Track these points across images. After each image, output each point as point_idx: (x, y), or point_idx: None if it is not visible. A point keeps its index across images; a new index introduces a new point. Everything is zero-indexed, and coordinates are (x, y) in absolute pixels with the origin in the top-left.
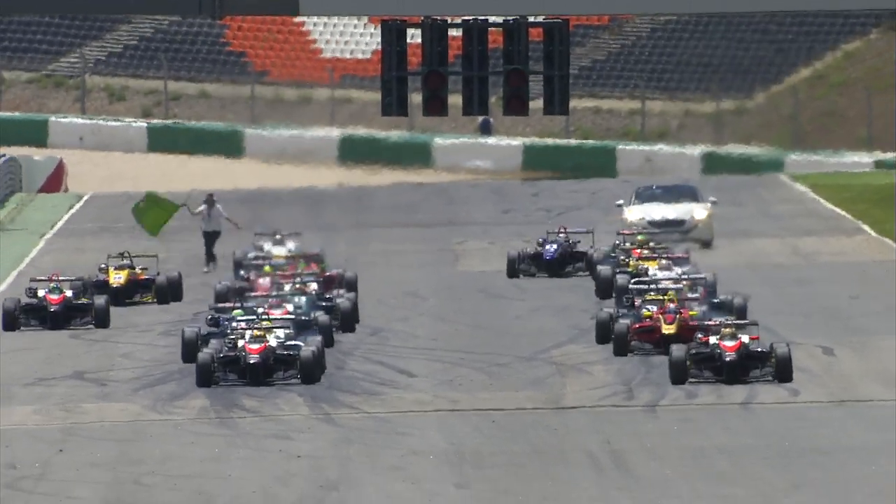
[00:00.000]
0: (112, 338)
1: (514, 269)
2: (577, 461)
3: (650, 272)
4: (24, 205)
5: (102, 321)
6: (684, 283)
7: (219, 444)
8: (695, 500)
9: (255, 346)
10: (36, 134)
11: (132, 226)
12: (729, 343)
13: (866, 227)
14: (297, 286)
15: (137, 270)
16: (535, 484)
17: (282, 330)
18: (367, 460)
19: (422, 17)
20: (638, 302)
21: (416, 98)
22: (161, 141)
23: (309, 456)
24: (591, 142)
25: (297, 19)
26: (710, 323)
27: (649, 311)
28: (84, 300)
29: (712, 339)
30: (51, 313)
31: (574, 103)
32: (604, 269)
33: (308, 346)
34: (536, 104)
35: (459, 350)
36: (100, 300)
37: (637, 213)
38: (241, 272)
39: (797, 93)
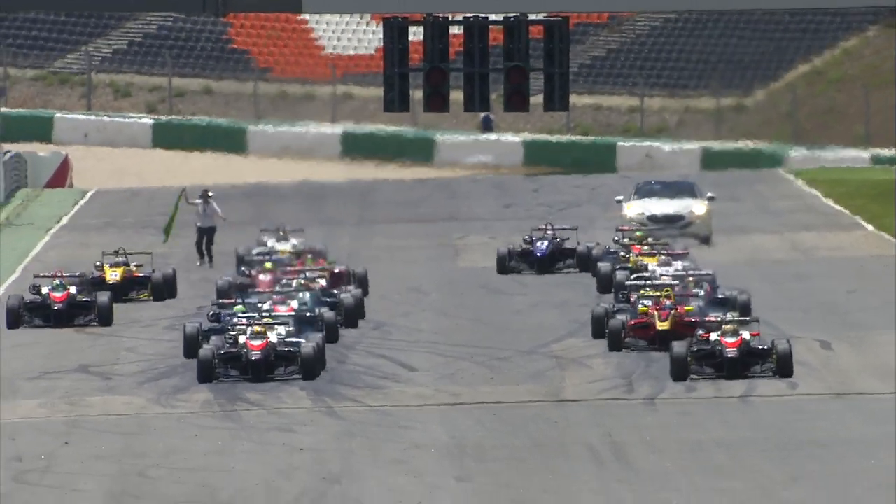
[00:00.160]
0: (116, 332)
1: (504, 267)
2: (578, 454)
3: (650, 268)
4: (30, 200)
5: (106, 319)
6: (689, 279)
7: (222, 438)
8: (694, 493)
9: (257, 343)
10: (41, 130)
11: (136, 221)
12: (730, 339)
13: (864, 223)
14: (303, 282)
15: (133, 268)
16: (536, 477)
17: (283, 326)
18: (370, 453)
19: (423, 15)
20: (633, 298)
21: (417, 94)
22: (165, 137)
23: (311, 449)
24: (591, 138)
25: (300, 16)
26: (710, 319)
27: (645, 306)
28: (87, 298)
29: (713, 336)
30: (54, 311)
31: (574, 100)
32: (604, 265)
33: (309, 342)
34: (537, 100)
35: (461, 344)
36: (103, 298)
37: (636, 208)
38: (243, 268)
39: (795, 89)
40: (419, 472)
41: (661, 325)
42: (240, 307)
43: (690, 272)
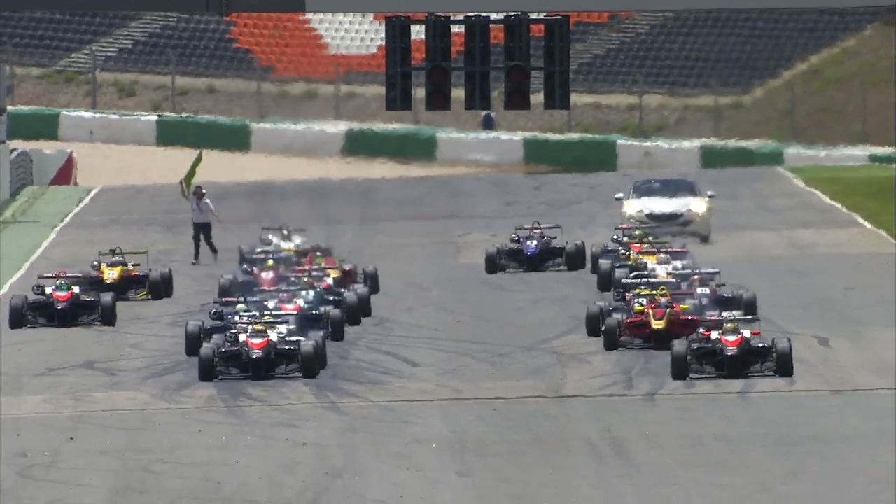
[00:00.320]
0: (120, 329)
1: (493, 265)
2: (578, 449)
3: (649, 266)
4: (36, 197)
5: (109, 318)
6: (695, 277)
7: (226, 433)
8: (694, 488)
9: (257, 341)
10: (47, 128)
11: (140, 218)
12: (730, 338)
13: (861, 220)
14: (306, 280)
15: (130, 267)
16: (536, 472)
17: (284, 325)
18: (372, 448)
19: (425, 14)
20: (629, 296)
21: (419, 93)
22: (170, 135)
23: (314, 444)
24: (591, 136)
25: (303, 16)
26: (711, 318)
27: (641, 305)
28: (91, 297)
29: (714, 335)
30: (58, 310)
31: (574, 98)
32: (604, 263)
33: (309, 340)
34: (537, 99)
35: (462, 340)
36: (106, 297)
37: (636, 206)
38: (245, 266)
39: (794, 88)
40: (421, 466)
41: (657, 324)
42: (242, 305)
43: (696, 271)
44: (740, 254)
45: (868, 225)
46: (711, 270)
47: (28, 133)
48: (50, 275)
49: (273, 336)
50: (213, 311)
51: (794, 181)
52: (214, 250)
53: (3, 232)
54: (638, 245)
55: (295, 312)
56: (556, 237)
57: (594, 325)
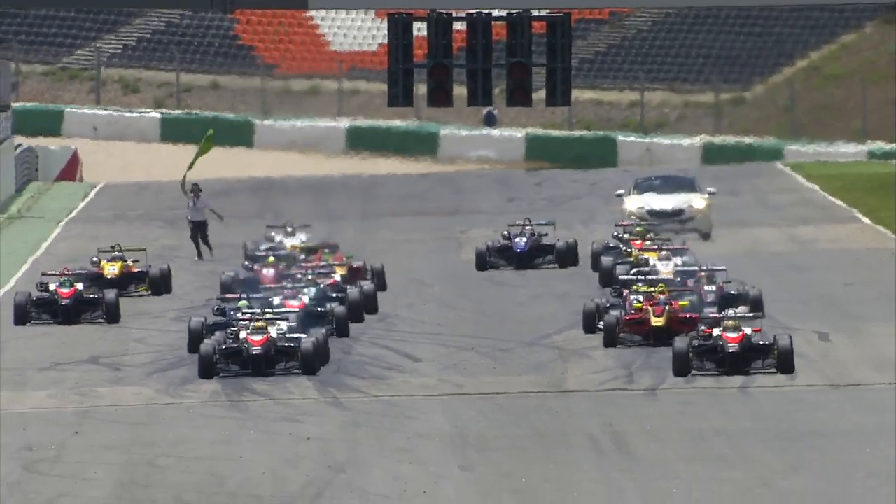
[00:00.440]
0: (125, 324)
1: (483, 263)
2: (579, 444)
3: (650, 263)
4: (41, 193)
5: (113, 316)
6: (702, 274)
7: (230, 427)
8: (694, 482)
9: (257, 338)
10: (52, 124)
11: (144, 214)
12: (732, 335)
13: (861, 216)
14: (310, 277)
15: (130, 263)
16: (538, 466)
17: (285, 322)
18: (375, 443)
19: (427, 11)
20: (625, 293)
21: (421, 89)
22: (173, 131)
23: (317, 438)
24: (592, 132)
25: (306, 13)
26: (714, 315)
27: (639, 302)
28: (94, 294)
29: (715, 332)
30: (62, 307)
31: (576, 95)
32: (606, 260)
33: (309, 337)
34: (539, 96)
35: (464, 335)
36: (110, 294)
37: (636, 202)
38: (247, 263)
39: (794, 84)
40: (423, 461)
41: (656, 321)
42: (244, 302)
43: (703, 267)
44: (741, 249)
45: (867, 221)
46: (719, 267)
47: (32, 129)
48: (53, 272)
49: (273, 333)
50: (215, 308)
51: (794, 177)
52: (210, 247)
53: (9, 227)
54: (639, 242)
55: (297, 309)
56: (546, 234)
57: (591, 321)
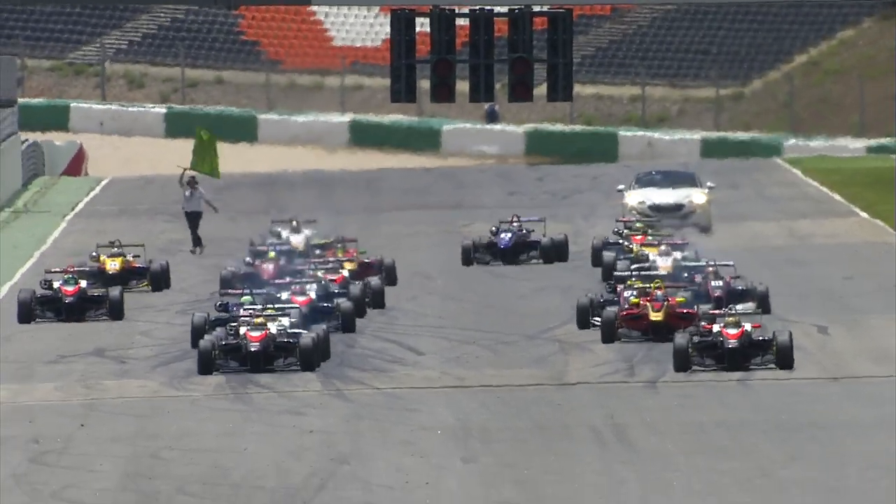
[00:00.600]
0: (130, 317)
1: (468, 258)
2: (580, 436)
3: (650, 258)
4: (47, 188)
5: (117, 313)
6: (710, 269)
7: (234, 420)
8: (695, 474)
9: (256, 334)
10: (57, 119)
11: (150, 208)
12: (731, 331)
13: (859, 210)
14: (311, 273)
15: (130, 258)
16: (539, 458)
17: (286, 318)
18: (378, 435)
19: (430, 7)
20: (619, 288)
21: (424, 85)
22: (178, 126)
23: (321, 431)
24: (593, 127)
25: (310, 9)
26: (714, 312)
27: (635, 297)
28: (98, 292)
29: (715, 327)
30: (66, 305)
31: (577, 90)
32: (608, 255)
33: (309, 333)
34: (540, 91)
35: (466, 328)
36: (114, 292)
37: (637, 197)
38: (247, 258)
39: (793, 80)
40: (426, 453)
41: (655, 316)
42: (247, 297)
43: (711, 263)
44: (740, 244)
45: (865, 215)
46: (727, 263)
47: (39, 125)
48: (57, 269)
49: (273, 329)
50: (218, 303)
51: (793, 172)
52: (200, 240)
53: (15, 221)
54: (640, 237)
55: (299, 306)
56: (534, 230)
57: (584, 317)
